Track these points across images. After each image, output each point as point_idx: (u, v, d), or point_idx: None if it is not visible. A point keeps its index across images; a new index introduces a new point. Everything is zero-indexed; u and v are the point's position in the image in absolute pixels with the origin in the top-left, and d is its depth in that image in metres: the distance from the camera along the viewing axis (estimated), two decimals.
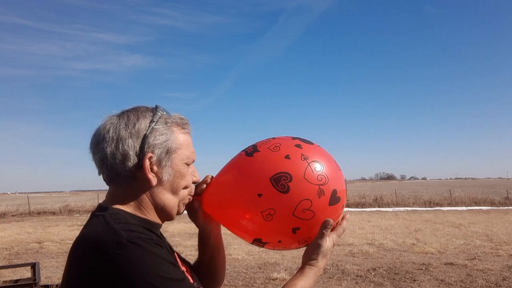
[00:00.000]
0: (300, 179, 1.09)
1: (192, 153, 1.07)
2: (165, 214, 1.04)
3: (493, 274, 7.28)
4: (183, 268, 1.05)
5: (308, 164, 1.11)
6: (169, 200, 1.02)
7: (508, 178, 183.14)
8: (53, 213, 24.78)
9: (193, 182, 1.10)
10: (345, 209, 1.20)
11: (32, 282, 4.84)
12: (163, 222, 1.06)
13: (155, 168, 0.98)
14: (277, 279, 7.21)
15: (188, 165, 1.05)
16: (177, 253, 1.10)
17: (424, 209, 23.55)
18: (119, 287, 0.80)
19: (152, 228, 0.98)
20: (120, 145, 0.96)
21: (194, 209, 1.17)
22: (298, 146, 1.16)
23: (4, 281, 5.72)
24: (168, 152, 0.99)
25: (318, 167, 1.12)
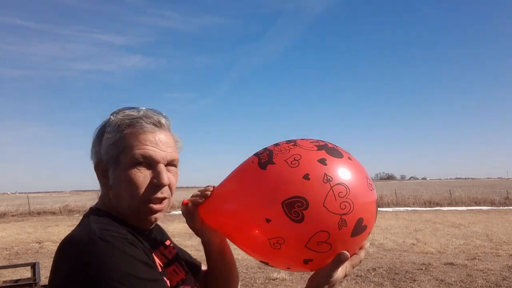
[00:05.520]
0: (319, 206, 0.91)
1: (142, 152, 0.98)
2: (129, 218, 1.02)
3: (493, 274, 7.27)
4: (171, 269, 1.05)
5: (331, 188, 0.92)
6: (120, 204, 1.01)
7: (508, 178, 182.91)
8: (53, 213, 24.74)
9: (158, 185, 0.99)
10: None
11: (32, 282, 4.81)
12: (138, 225, 1.03)
13: (104, 173, 1.03)
14: (277, 279, 7.20)
15: (139, 164, 0.98)
16: (162, 254, 1.08)
17: (424, 209, 23.53)
18: (86, 284, 0.81)
19: (130, 228, 0.98)
20: (92, 152, 1.06)
21: (189, 214, 1.11)
22: (322, 161, 0.96)
23: (4, 281, 5.70)
24: (113, 157, 1.00)
25: (343, 192, 0.92)
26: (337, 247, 0.94)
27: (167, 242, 1.19)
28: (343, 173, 0.95)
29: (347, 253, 0.96)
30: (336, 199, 0.91)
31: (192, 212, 1.09)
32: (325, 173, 0.93)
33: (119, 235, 0.90)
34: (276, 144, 1.04)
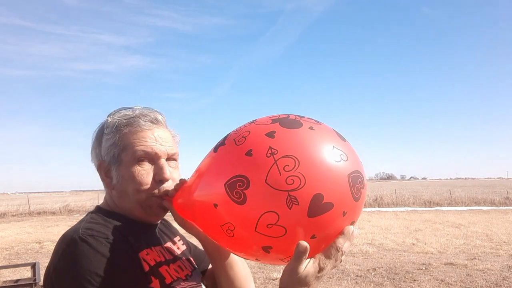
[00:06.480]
0: (260, 184, 0.80)
1: (143, 148, 1.01)
2: (136, 214, 1.05)
3: (493, 274, 7.27)
4: (176, 265, 1.07)
5: (275, 161, 0.80)
6: (126, 203, 1.05)
7: (508, 178, 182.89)
8: (53, 213, 24.76)
9: (160, 180, 1.02)
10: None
11: (32, 282, 4.82)
12: (145, 220, 1.08)
13: (107, 173, 1.07)
14: (277, 279, 7.19)
15: (141, 160, 1.02)
16: (167, 251, 1.09)
17: (424, 209, 23.51)
18: (60, 280, 0.89)
19: (127, 225, 1.02)
20: (92, 155, 1.10)
21: (171, 210, 1.07)
22: (270, 134, 0.85)
23: (4, 281, 5.71)
24: (114, 156, 1.04)
25: (291, 165, 0.79)
26: (295, 231, 0.81)
27: (177, 238, 1.23)
28: (292, 144, 0.82)
29: (304, 243, 0.81)
30: (281, 173, 0.79)
31: (169, 206, 1.06)
32: (270, 147, 0.82)
33: (101, 236, 0.93)
34: (240, 126, 0.97)
